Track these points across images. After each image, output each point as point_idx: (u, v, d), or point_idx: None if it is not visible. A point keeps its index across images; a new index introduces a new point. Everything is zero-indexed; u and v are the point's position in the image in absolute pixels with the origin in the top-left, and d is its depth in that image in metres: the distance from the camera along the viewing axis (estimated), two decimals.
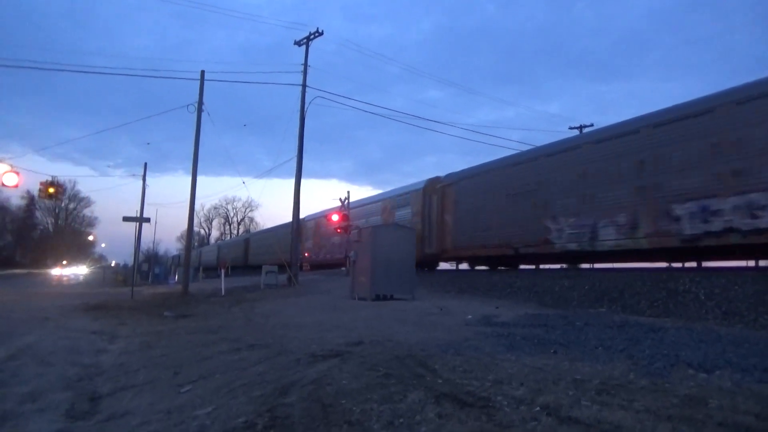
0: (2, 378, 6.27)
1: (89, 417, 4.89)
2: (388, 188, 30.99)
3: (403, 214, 22.49)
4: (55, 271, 73.67)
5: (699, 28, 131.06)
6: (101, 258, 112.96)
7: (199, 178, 22.91)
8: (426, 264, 21.10)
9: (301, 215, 35.73)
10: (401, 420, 3.43)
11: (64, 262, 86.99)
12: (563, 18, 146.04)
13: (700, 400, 3.68)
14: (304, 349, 6.39)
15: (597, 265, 16.25)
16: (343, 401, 3.90)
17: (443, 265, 22.50)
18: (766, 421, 3.31)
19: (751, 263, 12.09)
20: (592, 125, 30.57)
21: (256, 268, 37.25)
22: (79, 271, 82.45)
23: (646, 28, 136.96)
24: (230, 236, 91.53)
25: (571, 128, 32.20)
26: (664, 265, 13.71)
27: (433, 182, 21.31)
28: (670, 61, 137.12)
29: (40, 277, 56.52)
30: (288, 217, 27.26)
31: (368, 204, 27.04)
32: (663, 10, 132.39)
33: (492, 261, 18.25)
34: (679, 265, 13.34)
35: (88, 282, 46.94)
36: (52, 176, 22.29)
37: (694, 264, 12.73)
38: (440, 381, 4.36)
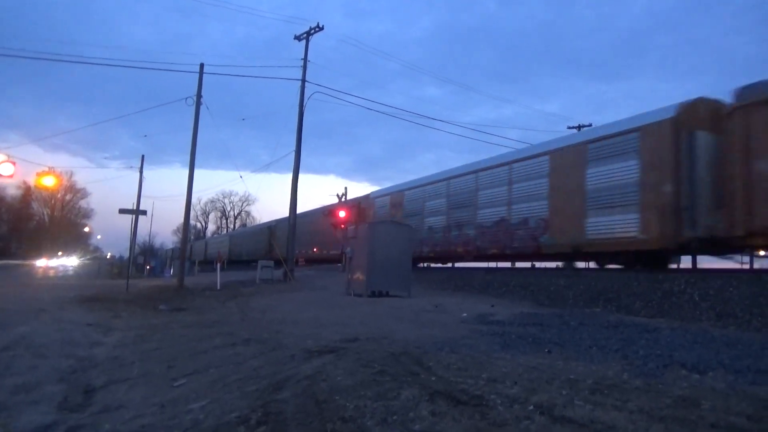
0: None
1: (82, 409, 4.87)
2: (387, 185, 26.54)
3: (615, 169, 12.68)
4: (41, 263, 67.68)
5: (698, 30, 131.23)
6: (96, 249, 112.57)
7: (196, 172, 22.86)
8: (662, 256, 13.32)
9: (306, 209, 34.29)
10: (395, 417, 3.43)
11: (60, 253, 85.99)
12: (563, 17, 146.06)
13: (693, 401, 3.69)
14: (299, 345, 6.39)
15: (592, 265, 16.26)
16: (337, 397, 3.90)
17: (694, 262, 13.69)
18: (758, 422, 3.32)
19: (746, 265, 12.14)
20: (590, 125, 30.61)
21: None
22: (70, 262, 78.39)
23: (645, 28, 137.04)
24: (226, 230, 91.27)
25: (569, 128, 32.27)
26: None
27: (698, 107, 11.54)
28: (668, 61, 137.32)
29: (25, 268, 51.10)
30: (287, 212, 26.31)
31: (509, 163, 16.52)
32: (662, 11, 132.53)
33: None
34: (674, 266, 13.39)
35: (78, 275, 44.18)
36: (49, 167, 22.25)
37: (689, 265, 12.78)
38: (434, 379, 4.36)
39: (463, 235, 17.84)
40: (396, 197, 22.89)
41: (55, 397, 5.24)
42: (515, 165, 16.25)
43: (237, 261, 43.99)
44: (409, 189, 22.21)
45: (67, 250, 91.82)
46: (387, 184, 30.75)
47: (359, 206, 26.47)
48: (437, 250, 19.43)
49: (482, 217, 17.13)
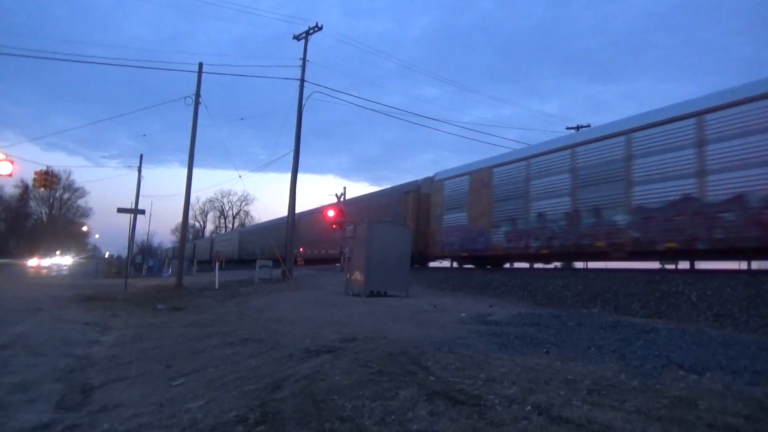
0: None
1: (80, 408, 4.87)
2: (387, 185, 23.60)
3: None
4: (33, 262, 62.56)
5: (697, 30, 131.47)
6: (94, 248, 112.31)
7: (194, 171, 22.82)
8: None
9: (302, 208, 33.33)
10: (393, 417, 3.43)
11: (58, 252, 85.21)
12: (562, 16, 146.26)
13: (690, 402, 3.70)
14: (297, 345, 6.39)
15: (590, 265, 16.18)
16: (335, 397, 3.90)
17: None
18: (755, 423, 3.33)
19: (744, 266, 12.16)
20: (589, 125, 30.62)
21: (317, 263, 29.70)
22: (64, 261, 74.62)
23: (644, 28, 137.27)
24: (225, 229, 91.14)
25: (568, 128, 32.26)
26: (657, 266, 13.77)
27: None
28: (667, 62, 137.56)
29: (14, 269, 46.08)
30: (285, 212, 25.56)
31: (697, 114, 11.41)
32: (661, 11, 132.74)
33: None
34: (672, 266, 13.40)
35: (73, 274, 41.42)
36: (47, 166, 22.20)
37: (687, 265, 12.76)
38: (432, 379, 4.36)
39: (605, 224, 13.04)
40: (480, 176, 17.78)
41: (52, 396, 5.25)
42: (712, 116, 11.04)
43: (248, 260, 39.26)
44: (502, 164, 17.05)
45: (63, 249, 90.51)
46: (386, 184, 27.56)
47: (417, 193, 21.30)
48: (555, 245, 14.50)
49: (643, 196, 12.25)
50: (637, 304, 10.19)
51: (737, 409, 3.56)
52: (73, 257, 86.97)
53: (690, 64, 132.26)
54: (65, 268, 57.86)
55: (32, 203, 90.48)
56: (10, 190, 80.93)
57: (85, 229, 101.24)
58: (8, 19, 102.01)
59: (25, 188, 78.36)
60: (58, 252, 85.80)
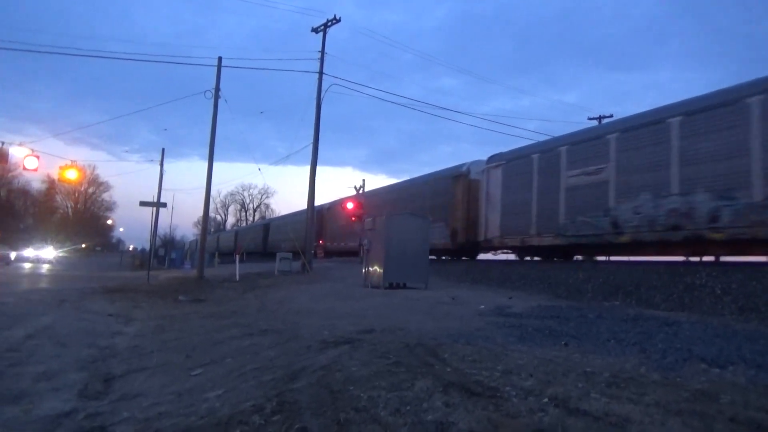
0: (18, 357, 6.40)
1: (102, 397, 4.97)
2: (405, 177, 21.65)
3: None
4: None
5: (720, 16, 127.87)
6: (119, 241, 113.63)
7: (214, 164, 23.01)
8: None
9: (322, 201, 32.83)
10: (408, 407, 3.43)
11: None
12: (581, 4, 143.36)
13: (711, 395, 3.63)
14: (315, 336, 6.42)
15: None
16: (351, 388, 3.92)
17: None
18: None
19: None
20: (611, 116, 30.12)
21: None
22: (46, 254, 46.58)
23: (665, 15, 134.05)
24: (245, 222, 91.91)
25: (590, 119, 31.77)
26: (681, 258, 13.51)
27: None
28: (690, 50, 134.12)
29: None
30: (305, 204, 25.55)
31: None
32: None
33: None
34: (696, 259, 13.13)
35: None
36: (71, 160, 22.56)
37: (711, 258, 12.51)
38: (449, 370, 4.35)
39: None
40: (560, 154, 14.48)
41: (75, 385, 5.36)
42: None
43: (275, 253, 36.89)
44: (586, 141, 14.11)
45: (40, 239, 58.05)
46: (405, 176, 25.43)
47: (467, 178, 19.01)
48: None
49: None
50: (659, 297, 10.03)
51: (761, 403, 3.48)
52: (56, 250, 56.10)
53: (714, 51, 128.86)
54: (44, 267, 35.84)
55: (58, 198, 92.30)
56: (38, 185, 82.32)
57: (110, 222, 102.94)
58: (30, 17, 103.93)
59: (52, 183, 79.83)
60: (91, 244, 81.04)
